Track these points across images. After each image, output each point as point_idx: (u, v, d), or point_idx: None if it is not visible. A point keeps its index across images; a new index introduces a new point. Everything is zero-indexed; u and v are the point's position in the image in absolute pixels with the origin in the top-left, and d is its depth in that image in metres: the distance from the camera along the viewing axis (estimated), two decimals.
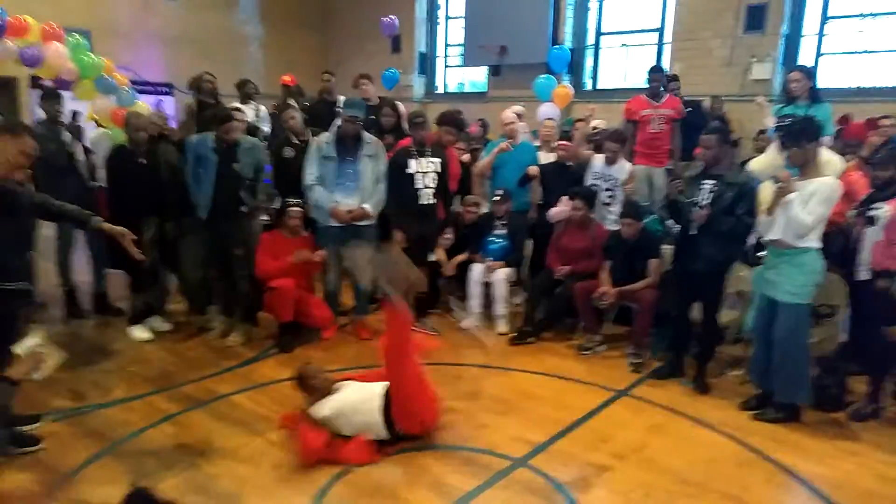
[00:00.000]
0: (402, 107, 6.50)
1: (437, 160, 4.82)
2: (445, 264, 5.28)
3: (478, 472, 3.10)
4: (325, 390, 3.35)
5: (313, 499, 2.85)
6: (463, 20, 10.71)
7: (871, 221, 3.87)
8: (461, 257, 5.27)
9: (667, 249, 4.59)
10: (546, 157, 5.65)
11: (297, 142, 5.03)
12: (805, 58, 8.01)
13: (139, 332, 4.70)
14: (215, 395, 3.86)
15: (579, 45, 9.79)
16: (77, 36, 6.41)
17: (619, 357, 4.61)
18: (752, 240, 4.33)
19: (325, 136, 4.69)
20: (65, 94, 5.33)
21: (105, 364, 4.30)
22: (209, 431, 3.42)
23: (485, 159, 5.59)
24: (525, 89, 8.81)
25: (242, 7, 11.44)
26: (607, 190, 5.09)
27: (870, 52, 7.60)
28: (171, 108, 9.55)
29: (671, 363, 4.31)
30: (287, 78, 7.57)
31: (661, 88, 5.92)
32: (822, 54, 7.94)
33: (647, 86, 5.92)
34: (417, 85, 11.51)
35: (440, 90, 11.69)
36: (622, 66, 9.64)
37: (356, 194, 4.65)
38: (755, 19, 8.00)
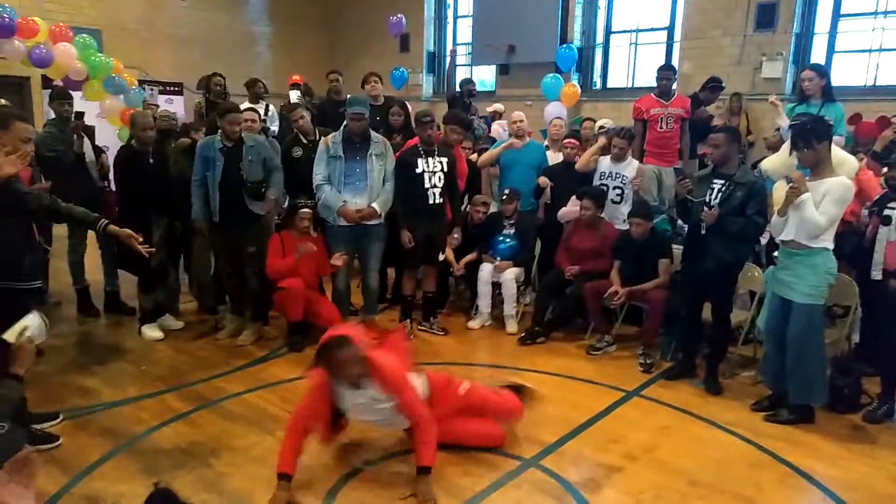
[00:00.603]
0: (410, 107, 6.51)
1: (445, 159, 4.82)
2: (454, 264, 5.28)
3: (488, 472, 3.10)
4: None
5: (324, 498, 2.86)
6: (471, 19, 10.69)
7: (885, 221, 3.84)
8: (470, 257, 5.27)
9: (677, 249, 4.58)
10: (555, 157, 5.65)
11: (305, 142, 5.04)
12: (817, 56, 7.95)
13: (151, 332, 4.73)
14: (226, 393, 3.88)
15: (588, 43, 9.76)
16: (85, 36, 6.47)
17: (630, 357, 4.59)
18: (765, 239, 4.31)
19: (334, 136, 4.70)
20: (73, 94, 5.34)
21: (117, 363, 4.33)
22: (220, 430, 3.44)
23: (489, 151, 5.58)
24: (534, 88, 8.83)
25: (251, 7, 11.49)
26: (616, 188, 5.07)
27: (883, 49, 7.54)
28: (181, 107, 9.61)
29: (682, 364, 4.30)
30: (297, 77, 7.60)
31: (672, 87, 5.89)
32: (835, 52, 7.87)
33: (656, 84, 5.89)
34: (426, 84, 11.50)
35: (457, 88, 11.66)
36: (631, 65, 9.59)
37: (365, 194, 4.65)
38: (765, 17, 7.94)
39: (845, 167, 3.96)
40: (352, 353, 2.80)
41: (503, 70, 10.43)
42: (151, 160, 4.62)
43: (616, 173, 5.07)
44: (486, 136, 7.14)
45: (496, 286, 5.20)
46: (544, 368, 4.40)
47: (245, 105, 6.85)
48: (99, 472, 3.01)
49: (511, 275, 5.08)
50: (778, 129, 4.75)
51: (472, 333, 5.12)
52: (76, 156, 4.76)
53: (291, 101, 6.81)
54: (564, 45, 9.18)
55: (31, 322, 2.67)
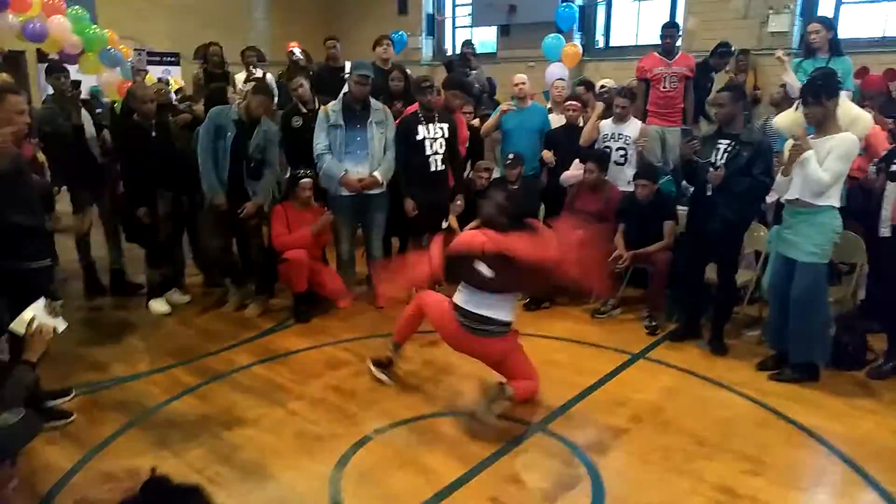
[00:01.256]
0: (410, 72, 6.41)
1: (446, 125, 4.76)
2: (458, 231, 5.26)
3: (495, 437, 3.13)
4: None
5: (335, 466, 2.90)
6: None
7: (892, 177, 3.79)
8: (474, 224, 5.24)
9: (681, 210, 4.54)
10: (558, 119, 5.57)
11: (305, 111, 4.98)
12: (824, 8, 7.75)
13: (158, 306, 4.75)
14: (235, 366, 3.92)
15: (590, 1, 9.54)
16: (78, 8, 6.35)
17: (635, 320, 4.61)
18: (772, 198, 4.27)
19: (333, 104, 4.64)
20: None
21: (127, 338, 4.37)
22: (231, 402, 3.48)
23: (489, 120, 5.52)
24: (535, 49, 8.67)
25: None
26: (619, 149, 5.01)
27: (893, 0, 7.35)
28: (179, 78, 9.50)
29: (687, 325, 4.30)
30: (293, 44, 7.46)
31: (676, 45, 5.76)
32: (843, 3, 7.68)
33: (660, 42, 5.76)
34: (426, 47, 11.32)
35: (449, 52, 11.50)
36: (635, 22, 9.39)
37: (366, 162, 4.62)
38: None
39: (859, 124, 3.90)
40: None
41: (504, 31, 10.23)
42: (154, 133, 4.57)
43: (619, 134, 5.00)
44: (489, 99, 7.05)
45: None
46: (550, 333, 4.43)
47: (241, 75, 6.79)
48: (113, 446, 3.06)
49: None
50: (783, 86, 4.65)
51: None
52: (75, 128, 4.68)
53: (295, 63, 6.68)
54: (564, 4, 8.97)
55: (38, 311, 2.66)
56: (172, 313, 4.76)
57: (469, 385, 3.66)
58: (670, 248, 4.47)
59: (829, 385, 3.64)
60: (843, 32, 7.47)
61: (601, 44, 9.71)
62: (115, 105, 5.69)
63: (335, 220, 4.71)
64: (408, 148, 4.69)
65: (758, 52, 7.60)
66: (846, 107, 3.96)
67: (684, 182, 4.65)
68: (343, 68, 6.36)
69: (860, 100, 5.01)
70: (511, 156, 5.17)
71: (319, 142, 4.59)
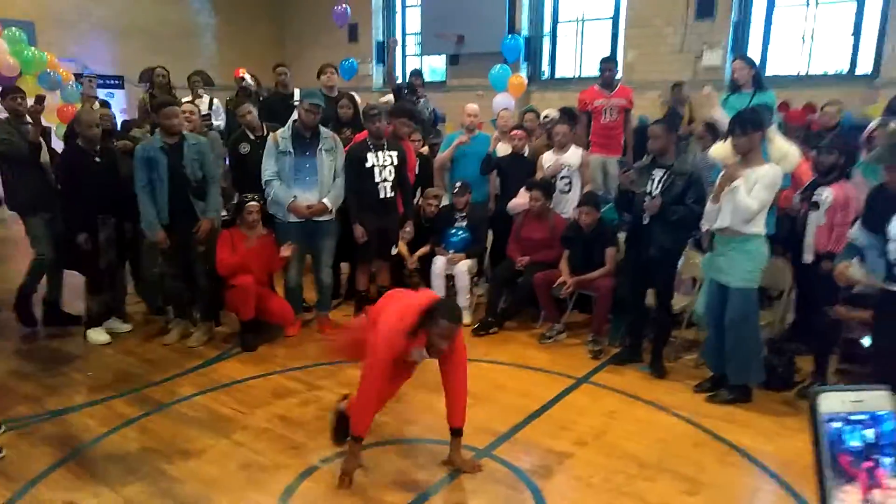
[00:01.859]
0: (359, 99, 6.48)
1: (395, 153, 4.83)
2: (408, 257, 5.32)
3: (442, 464, 3.15)
4: None
5: (281, 497, 2.87)
6: (420, 8, 10.65)
7: (814, 206, 4.04)
8: (423, 250, 5.31)
9: (622, 238, 4.71)
10: (504, 148, 5.72)
11: (253, 137, 4.97)
12: (754, 45, 8.22)
13: (97, 335, 4.61)
14: (178, 396, 3.83)
15: (536, 33, 9.85)
16: (15, 30, 6.20)
17: (580, 345, 4.72)
18: (706, 226, 4.47)
19: (282, 131, 4.65)
20: None
21: (63, 369, 4.22)
22: (173, 434, 3.40)
23: (444, 153, 5.62)
24: (483, 78, 8.85)
25: None
26: (563, 178, 5.17)
27: (813, 38, 7.85)
28: (123, 101, 9.33)
29: (629, 349, 4.44)
30: (242, 70, 7.45)
31: (615, 78, 6.01)
32: (771, 41, 8.16)
33: (599, 75, 6.01)
34: (376, 74, 11.43)
35: (399, 79, 11.64)
36: (578, 54, 9.74)
37: (315, 189, 4.63)
38: (706, 6, 8.17)
39: (789, 159, 4.14)
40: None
41: (453, 60, 10.44)
42: (98, 159, 4.48)
43: (561, 164, 5.16)
44: (434, 128, 7.16)
45: (450, 278, 5.25)
46: (498, 358, 4.49)
47: (186, 100, 6.72)
48: (46, 482, 2.95)
49: (464, 267, 5.14)
50: (705, 123, 4.90)
51: None
52: (31, 146, 4.53)
53: (243, 89, 6.65)
54: (510, 36, 9.24)
55: None
56: (112, 343, 4.62)
57: (417, 413, 3.68)
58: (612, 274, 4.62)
59: (761, 405, 3.80)
60: (771, 69, 7.98)
61: (546, 74, 10.02)
62: (56, 129, 5.55)
63: (281, 245, 4.68)
64: (357, 175, 4.73)
65: (693, 85, 7.96)
66: (778, 143, 4.21)
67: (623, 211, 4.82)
68: (292, 95, 6.38)
69: (784, 132, 5.30)
70: (458, 184, 5.27)
71: (268, 168, 4.58)
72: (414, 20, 11.17)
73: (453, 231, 5.26)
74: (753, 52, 8.03)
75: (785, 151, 4.17)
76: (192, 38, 11.14)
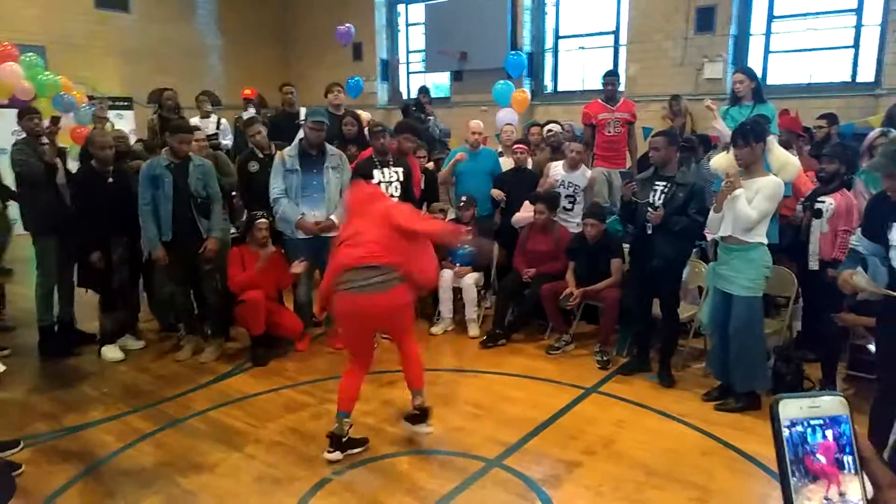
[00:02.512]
0: (365, 116, 6.58)
1: (400, 169, 4.91)
2: None
3: (454, 474, 3.19)
4: None
5: None
6: (423, 26, 10.80)
7: (816, 214, 4.09)
8: None
9: (627, 248, 4.75)
10: (508, 163, 5.79)
11: (261, 156, 5.06)
12: (754, 56, 8.30)
13: (111, 353, 4.68)
14: (191, 411, 3.88)
15: (538, 48, 9.97)
16: (32, 55, 6.35)
17: (588, 355, 4.75)
18: (710, 236, 4.52)
19: (289, 150, 4.74)
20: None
21: (79, 386, 4.28)
22: (187, 448, 3.45)
23: (445, 169, 5.71)
24: (486, 94, 8.96)
25: (201, 19, 11.38)
26: (567, 196, 5.23)
27: (815, 49, 7.92)
28: (132, 122, 9.47)
29: (637, 359, 4.48)
30: (248, 91, 7.59)
31: (618, 92, 6.08)
32: (771, 52, 8.24)
33: (602, 89, 6.08)
34: (381, 92, 11.57)
35: (404, 96, 11.78)
36: (581, 68, 9.84)
37: (322, 206, 4.71)
38: (705, 20, 8.26)
39: (788, 169, 4.20)
40: None
41: (457, 76, 10.57)
42: (111, 179, 4.57)
43: (569, 182, 5.23)
44: (443, 144, 7.25)
45: (457, 291, 5.30)
46: (506, 370, 4.53)
47: (194, 121, 6.85)
48: (63, 498, 3.00)
49: (471, 280, 5.20)
50: (698, 135, 4.98)
51: (436, 339, 5.22)
52: (48, 167, 4.61)
53: (245, 118, 6.78)
54: (513, 52, 9.36)
55: None
56: (126, 359, 4.69)
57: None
58: (618, 284, 4.67)
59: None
60: (772, 79, 8.05)
61: (549, 88, 10.12)
62: (69, 150, 5.65)
63: (290, 261, 4.75)
64: None
65: (694, 97, 8.05)
66: (777, 153, 4.27)
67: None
68: (299, 114, 6.49)
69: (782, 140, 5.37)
70: (464, 198, 5.34)
71: (276, 186, 4.67)
72: (417, 38, 11.32)
73: (459, 245, 5.31)
74: (754, 63, 8.10)
75: (784, 161, 4.23)
76: (199, 59, 11.31)
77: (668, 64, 8.52)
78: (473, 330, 5.23)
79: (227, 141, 6.96)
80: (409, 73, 11.70)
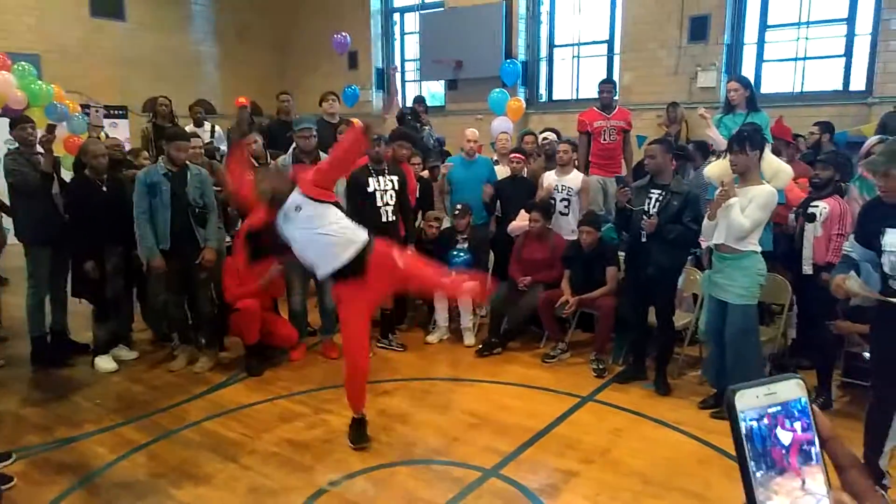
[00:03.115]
0: (359, 124, 6.58)
1: (395, 178, 4.91)
2: None
3: (450, 484, 3.18)
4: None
5: None
6: (418, 35, 10.84)
7: (809, 219, 4.10)
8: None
9: (622, 256, 4.76)
10: (503, 171, 5.80)
11: (257, 165, 5.05)
12: (747, 65, 8.36)
13: (105, 363, 4.65)
14: (185, 422, 3.85)
15: (532, 57, 10.02)
16: (25, 64, 6.32)
17: (584, 363, 4.75)
18: (705, 244, 4.54)
19: (283, 158, 4.74)
20: None
21: (72, 397, 4.25)
22: (181, 460, 3.42)
23: (440, 181, 5.74)
24: (481, 102, 8.99)
25: (196, 27, 11.38)
26: (563, 200, 5.25)
27: (808, 58, 7.99)
28: (126, 131, 9.45)
29: (632, 367, 4.47)
30: (242, 99, 7.57)
31: (613, 100, 6.11)
32: (764, 61, 8.30)
33: (598, 97, 6.11)
34: (376, 100, 11.59)
35: (400, 105, 11.79)
36: (575, 77, 9.89)
37: None
38: (698, 30, 8.31)
39: (781, 176, 4.21)
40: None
41: (451, 85, 10.59)
42: (105, 189, 4.56)
43: (562, 186, 5.24)
44: (438, 152, 7.26)
45: (453, 300, 5.29)
46: (502, 378, 4.52)
47: (189, 128, 6.84)
48: None
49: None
50: (696, 142, 5.02)
51: (431, 348, 5.21)
52: (43, 175, 4.58)
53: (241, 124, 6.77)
54: (508, 61, 9.40)
55: None
56: (120, 370, 4.66)
57: (423, 434, 3.71)
58: (614, 292, 4.67)
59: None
60: (765, 87, 8.11)
61: (544, 97, 10.16)
62: (62, 159, 5.62)
63: (288, 271, 4.74)
64: (359, 200, 4.80)
65: (688, 105, 8.10)
66: (769, 160, 4.28)
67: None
68: (294, 122, 6.49)
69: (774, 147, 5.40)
70: (459, 206, 5.34)
71: None
72: (412, 47, 11.36)
73: (455, 253, 5.31)
74: (747, 71, 8.16)
75: (777, 168, 4.24)
76: (194, 67, 11.31)
77: (661, 72, 8.57)
78: (469, 339, 5.22)
79: (223, 147, 6.96)
80: (404, 81, 11.72)
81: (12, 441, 3.56)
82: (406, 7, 11.48)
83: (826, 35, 7.84)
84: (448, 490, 3.13)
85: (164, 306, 4.77)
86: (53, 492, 3.10)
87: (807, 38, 7.91)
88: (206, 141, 6.57)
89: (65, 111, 6.32)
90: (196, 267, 4.54)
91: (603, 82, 6.15)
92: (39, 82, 6.36)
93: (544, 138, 6.20)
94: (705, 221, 3.83)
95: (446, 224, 5.56)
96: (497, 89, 8.58)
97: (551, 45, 10.02)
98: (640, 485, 3.17)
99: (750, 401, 0.65)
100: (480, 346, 5.01)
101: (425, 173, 6.04)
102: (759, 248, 3.70)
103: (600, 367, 4.58)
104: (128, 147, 6.54)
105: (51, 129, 4.84)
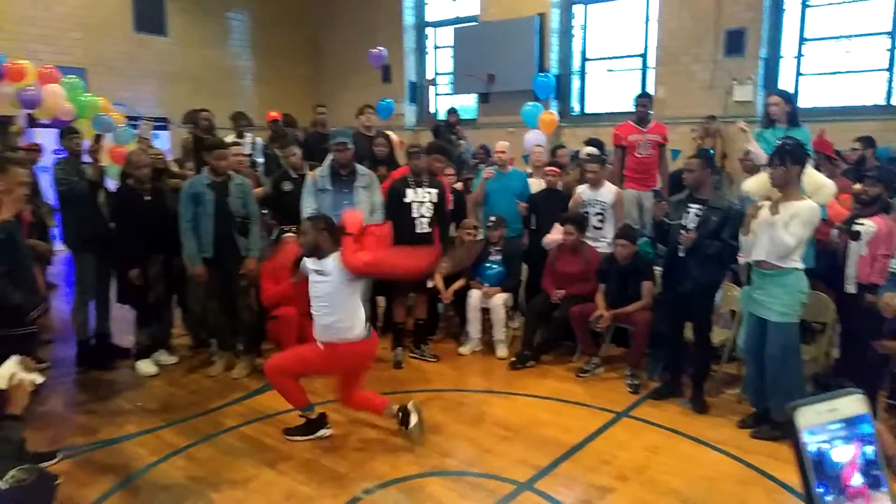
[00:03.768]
0: (394, 137, 6.66)
1: (435, 190, 4.95)
2: (443, 291, 5.38)
3: (483, 497, 3.17)
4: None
5: None
6: (451, 49, 10.93)
7: (854, 237, 4.01)
8: (459, 284, 5.38)
9: (658, 271, 4.72)
10: (537, 184, 5.81)
11: (295, 175, 5.15)
12: (784, 79, 8.25)
13: (146, 367, 4.76)
14: (223, 427, 3.92)
15: (565, 70, 10.03)
16: (74, 77, 6.55)
17: (618, 378, 4.70)
18: (743, 260, 4.47)
19: (320, 170, 4.82)
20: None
21: (114, 399, 4.35)
22: (219, 464, 3.48)
23: (476, 190, 5.75)
24: (513, 115, 9.03)
25: (234, 41, 11.66)
26: (597, 214, 5.23)
27: (847, 72, 7.86)
28: (167, 142, 9.69)
29: (668, 383, 4.41)
30: (274, 113, 7.72)
31: (649, 113, 6.08)
32: (802, 75, 8.19)
33: (634, 111, 6.08)
34: (409, 114, 11.71)
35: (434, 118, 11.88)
36: (608, 90, 9.87)
37: None
38: (734, 43, 8.25)
39: (825, 192, 4.14)
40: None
41: (483, 98, 10.65)
42: (148, 198, 4.68)
43: (595, 200, 5.22)
44: (474, 165, 7.29)
45: (485, 312, 5.30)
46: (535, 392, 4.50)
47: (230, 139, 6.99)
48: None
49: (499, 300, 5.19)
50: (747, 153, 4.94)
51: (463, 359, 5.21)
52: (90, 185, 4.73)
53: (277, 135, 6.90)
54: (542, 74, 9.43)
55: (14, 367, 2.65)
56: (160, 374, 4.76)
57: (456, 445, 3.71)
58: (649, 307, 4.62)
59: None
60: (803, 102, 7.99)
61: (577, 110, 10.15)
62: (109, 170, 5.79)
63: None
64: (395, 209, 4.86)
65: (725, 119, 8.02)
66: (811, 175, 4.22)
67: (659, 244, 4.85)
68: (329, 135, 6.59)
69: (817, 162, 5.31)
70: (493, 218, 5.36)
71: (307, 205, 4.74)
72: (445, 60, 11.46)
73: (488, 265, 5.33)
74: (784, 85, 8.05)
75: (819, 183, 4.17)
76: (232, 80, 11.57)
77: (696, 86, 8.51)
78: (501, 351, 5.21)
79: (260, 160, 7.08)
80: (436, 94, 11.83)
81: (58, 440, 3.66)
82: (439, 21, 11.60)
83: (868, 48, 7.70)
84: (481, 502, 3.12)
85: (204, 313, 4.86)
86: (97, 491, 3.18)
87: (847, 52, 7.78)
88: (246, 153, 6.70)
89: (110, 122, 6.53)
90: (237, 275, 4.62)
91: (640, 96, 6.12)
92: (86, 94, 6.59)
93: (588, 154, 6.15)
94: (741, 237, 3.77)
95: (480, 236, 5.57)
96: (530, 103, 8.60)
97: (584, 59, 10.03)
98: (677, 503, 3.12)
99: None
100: (514, 359, 5.00)
101: (459, 186, 6.07)
102: (801, 266, 3.63)
103: (635, 382, 4.53)
104: (169, 158, 6.69)
105: (97, 139, 5.00)
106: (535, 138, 8.01)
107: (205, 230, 4.54)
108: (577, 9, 9.94)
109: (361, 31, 11.70)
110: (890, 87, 7.54)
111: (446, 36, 11.30)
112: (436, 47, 11.75)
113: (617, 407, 4.23)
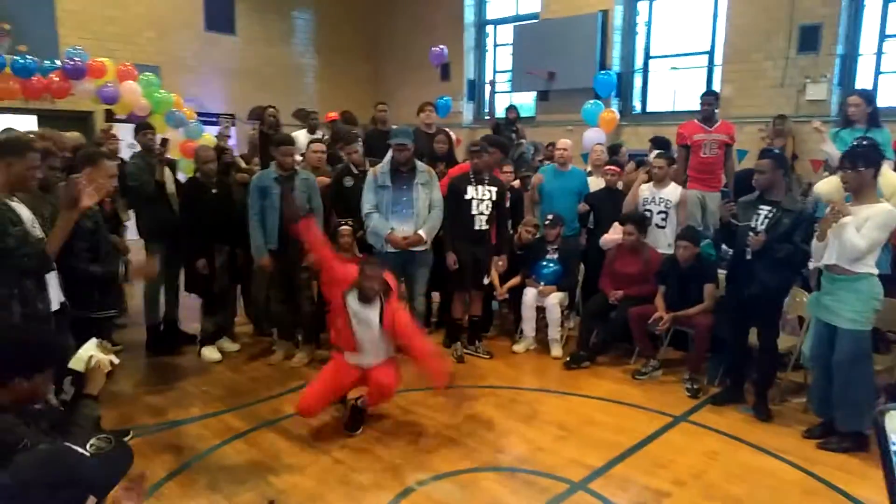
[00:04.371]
0: (453, 134, 6.69)
1: (495, 189, 4.95)
2: (498, 288, 5.38)
3: (536, 494, 3.16)
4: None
5: None
6: (511, 47, 10.88)
7: None
8: (514, 281, 5.37)
9: (721, 274, 4.58)
10: (597, 183, 5.73)
11: (356, 171, 5.25)
12: (862, 77, 7.86)
13: (210, 353, 4.95)
14: (282, 414, 4.03)
15: (627, 69, 9.84)
16: (150, 75, 6.87)
17: (676, 382, 4.60)
18: (813, 264, 4.30)
19: (381, 167, 4.89)
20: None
21: (181, 383, 4.56)
22: (278, 449, 3.59)
23: (530, 192, 5.75)
24: (572, 114, 8.93)
25: (298, 40, 11.94)
26: (660, 213, 5.11)
27: None
28: (233, 138, 10.02)
29: (730, 389, 4.29)
30: (332, 114, 7.87)
31: (715, 112, 5.90)
32: (881, 73, 7.78)
33: (700, 110, 5.91)
34: (467, 111, 11.73)
35: (489, 116, 11.87)
36: (671, 88, 9.62)
37: (411, 221, 4.80)
38: (808, 40, 7.89)
39: None
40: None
41: (542, 96, 10.56)
42: (214, 191, 4.86)
43: (659, 198, 5.11)
44: (534, 164, 7.25)
45: (540, 310, 5.27)
46: (590, 392, 4.45)
47: (299, 134, 7.17)
48: (168, 486, 3.18)
49: (555, 299, 5.15)
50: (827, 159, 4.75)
51: (517, 357, 5.20)
52: (157, 184, 4.95)
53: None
54: (602, 72, 9.28)
55: (93, 350, 2.79)
56: (223, 360, 4.95)
57: (509, 442, 3.71)
58: (711, 311, 4.50)
59: (878, 456, 3.55)
60: (882, 101, 7.58)
61: (638, 108, 9.95)
62: (179, 162, 6.04)
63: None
64: (455, 206, 4.89)
65: (796, 119, 7.70)
66: (889, 177, 4.02)
67: (724, 245, 4.71)
68: (390, 132, 6.68)
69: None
70: (550, 216, 5.32)
71: (367, 201, 4.81)
72: (504, 58, 11.41)
73: (544, 263, 5.29)
74: (862, 83, 7.67)
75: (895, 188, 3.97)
76: (295, 78, 11.85)
77: (765, 84, 8.19)
78: (556, 350, 5.17)
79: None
80: (493, 92, 11.79)
81: (129, 419, 3.86)
82: (500, 19, 11.56)
83: None
84: (534, 499, 3.11)
85: (267, 303, 5.02)
86: (164, 469, 3.33)
87: None
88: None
89: (182, 118, 6.81)
90: (299, 268, 4.75)
91: (705, 94, 5.94)
92: (161, 91, 6.90)
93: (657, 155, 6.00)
94: (814, 242, 3.63)
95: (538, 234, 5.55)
96: (591, 101, 8.48)
97: (647, 57, 9.81)
98: None
99: None
100: (568, 359, 4.95)
101: (516, 183, 6.04)
102: (875, 271, 3.47)
103: (694, 387, 4.41)
104: (236, 153, 6.92)
105: (164, 142, 5.24)
106: (595, 137, 7.91)
107: (270, 223, 4.68)
108: (642, 5, 9.73)
109: (421, 29, 11.78)
110: None
111: (506, 34, 11.26)
112: (495, 45, 11.72)
113: (675, 411, 4.14)
